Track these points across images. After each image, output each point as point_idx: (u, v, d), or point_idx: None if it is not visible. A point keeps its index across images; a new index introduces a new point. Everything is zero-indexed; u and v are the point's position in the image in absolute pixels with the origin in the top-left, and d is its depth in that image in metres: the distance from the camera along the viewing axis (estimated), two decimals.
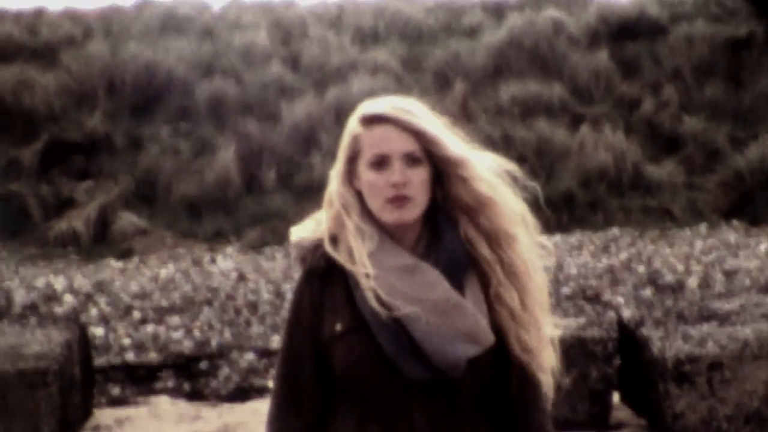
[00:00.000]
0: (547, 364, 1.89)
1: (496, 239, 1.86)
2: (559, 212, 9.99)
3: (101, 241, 10.61)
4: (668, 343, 4.65)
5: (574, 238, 9.48)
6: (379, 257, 1.83)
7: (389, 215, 1.85)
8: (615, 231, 9.97)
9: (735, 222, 10.42)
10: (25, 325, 5.36)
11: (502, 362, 1.86)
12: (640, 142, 11.67)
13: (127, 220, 10.67)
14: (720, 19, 13.99)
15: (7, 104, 12.66)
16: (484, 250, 1.86)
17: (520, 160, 11.23)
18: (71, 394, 5.03)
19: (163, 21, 15.56)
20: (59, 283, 8.49)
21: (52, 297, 7.95)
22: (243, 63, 13.74)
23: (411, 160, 1.84)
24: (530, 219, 1.91)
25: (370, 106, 1.89)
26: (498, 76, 13.15)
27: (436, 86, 12.69)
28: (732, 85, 12.93)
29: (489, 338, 1.80)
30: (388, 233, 1.87)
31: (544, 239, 1.92)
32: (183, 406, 5.86)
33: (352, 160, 1.89)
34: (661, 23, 14.34)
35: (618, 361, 5.24)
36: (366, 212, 1.87)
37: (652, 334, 4.80)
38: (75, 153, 12.14)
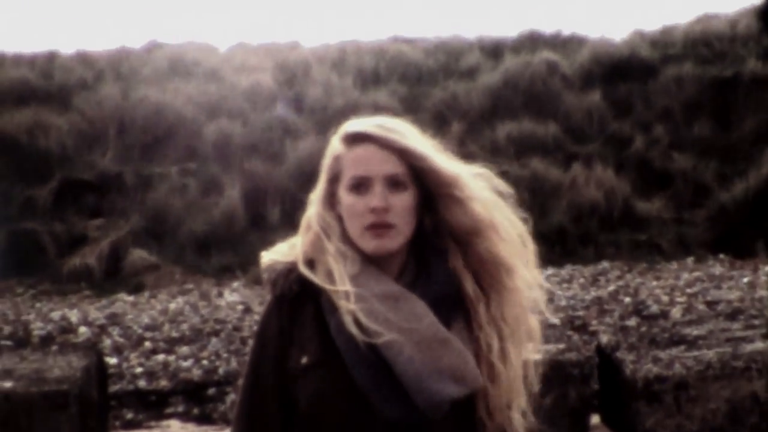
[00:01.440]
0: (516, 409, 1.75)
1: (492, 271, 1.71)
2: (551, 246, 10.42)
3: (113, 276, 11.05)
4: (639, 365, 5.05)
5: (565, 271, 9.90)
6: (361, 281, 1.65)
7: (368, 243, 1.68)
8: (605, 264, 10.40)
9: (721, 255, 10.83)
10: (47, 352, 5.78)
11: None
12: (631, 178, 12.13)
13: (138, 255, 11.12)
14: (708, 60, 14.51)
15: (22, 145, 13.19)
16: (469, 287, 1.70)
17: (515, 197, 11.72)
18: (90, 416, 5.42)
19: (172, 63, 16.16)
20: (74, 315, 8.92)
21: (67, 329, 8.38)
22: (248, 104, 14.29)
23: (394, 183, 1.69)
24: (530, 242, 1.77)
25: (352, 125, 1.75)
26: (494, 116, 13.66)
27: (435, 126, 13.05)
28: (719, 124, 13.42)
29: (477, 380, 1.65)
30: (370, 261, 1.70)
31: (537, 271, 1.78)
32: (192, 428, 6.26)
33: (334, 181, 1.75)
34: (651, 64, 14.86)
35: (597, 384, 5.65)
36: (347, 238, 1.71)
37: (626, 357, 5.20)
38: (87, 192, 12.63)
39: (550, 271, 9.78)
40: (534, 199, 11.34)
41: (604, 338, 5.67)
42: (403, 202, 1.69)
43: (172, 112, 13.93)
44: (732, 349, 5.03)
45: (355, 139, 1.73)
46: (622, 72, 14.68)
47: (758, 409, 4.85)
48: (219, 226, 11.65)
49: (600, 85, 14.43)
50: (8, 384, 5.10)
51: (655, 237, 11.18)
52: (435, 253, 1.72)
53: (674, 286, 9.08)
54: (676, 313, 7.97)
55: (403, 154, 1.69)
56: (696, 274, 9.79)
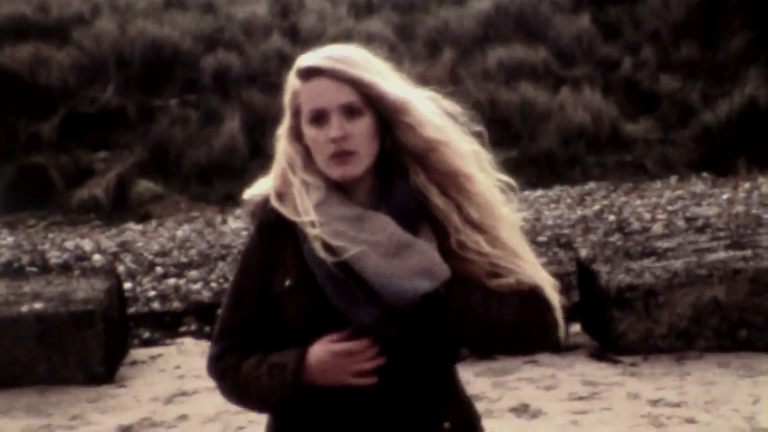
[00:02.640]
0: (542, 279, 1.80)
1: (452, 181, 1.79)
2: (540, 169, 10.85)
3: (120, 207, 11.50)
4: (613, 276, 5.54)
5: (553, 192, 10.35)
6: (325, 208, 1.77)
7: (334, 171, 1.78)
8: (591, 185, 10.84)
9: (704, 174, 11.27)
10: (71, 277, 6.26)
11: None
12: (619, 101, 12.48)
13: (144, 186, 11.55)
14: None
15: (24, 81, 13.47)
16: (437, 198, 1.78)
17: (505, 121, 12.16)
18: (113, 334, 5.92)
19: None
20: (87, 244, 9.40)
21: (82, 257, 8.86)
22: (245, 36, 14.54)
23: (350, 111, 1.76)
24: (483, 154, 1.85)
25: (305, 59, 1.80)
26: (485, 43, 13.93)
27: (427, 53, 13.49)
28: (707, 45, 13.70)
29: (444, 272, 1.73)
30: (339, 187, 1.80)
31: (502, 176, 1.87)
32: (205, 344, 6.74)
33: (296, 115, 1.83)
34: None
35: (577, 297, 6.16)
36: (314, 167, 1.82)
37: (601, 268, 5.70)
38: (91, 125, 12.98)
39: (539, 192, 10.23)
40: (523, 123, 11.73)
41: (583, 252, 6.15)
42: (361, 128, 1.76)
43: (169, 45, 14.17)
44: (697, 258, 5.52)
45: (308, 74, 1.78)
46: None
47: (719, 313, 5.37)
48: (221, 156, 12.05)
49: (589, 8, 14.65)
50: (39, 305, 5.61)
51: (641, 157, 11.59)
52: (396, 172, 1.81)
53: (656, 204, 9.54)
54: (657, 229, 8.44)
55: (354, 83, 1.75)
56: (678, 192, 10.24)
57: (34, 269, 7.96)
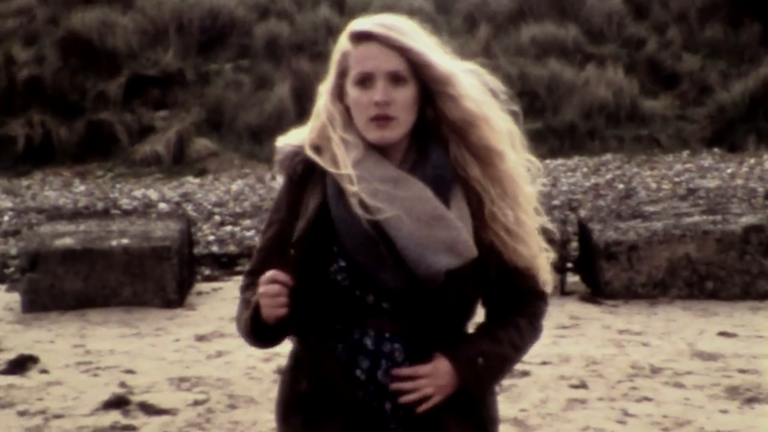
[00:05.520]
0: (544, 265, 1.96)
1: (486, 157, 1.84)
2: (562, 140, 11.82)
3: (179, 162, 12.70)
4: (604, 233, 6.59)
5: (572, 161, 11.34)
6: (363, 166, 1.81)
7: (372, 134, 1.83)
8: (608, 156, 11.81)
9: (715, 149, 12.16)
10: (149, 218, 7.44)
11: (484, 279, 1.86)
12: (641, 78, 13.37)
13: (201, 144, 12.75)
14: None
15: (93, 44, 14.67)
16: (475, 170, 1.84)
17: (533, 95, 13.10)
18: (183, 267, 7.09)
19: None
20: (153, 194, 10.62)
21: (150, 204, 10.08)
22: (295, 6, 15.60)
23: (395, 78, 1.81)
24: (517, 134, 1.91)
25: (358, 24, 1.85)
26: (520, 19, 14.84)
27: (464, 28, 14.46)
28: (731, 26, 14.48)
29: (471, 251, 1.79)
30: (374, 149, 1.85)
31: (530, 156, 1.93)
32: None
33: (342, 75, 1.87)
34: None
35: (575, 252, 7.21)
36: (353, 127, 1.86)
37: (595, 227, 6.75)
38: (152, 86, 14.18)
39: (559, 161, 11.22)
40: (549, 97, 12.68)
41: (582, 213, 7.16)
42: (403, 96, 1.82)
43: (225, 13, 15.28)
44: (675, 221, 6.54)
45: (360, 38, 1.83)
46: None
47: (690, 266, 6.41)
48: (270, 118, 13.16)
49: None
50: (125, 241, 6.80)
51: (656, 132, 12.52)
52: (435, 141, 1.86)
53: (664, 176, 10.50)
54: (647, 196, 9.39)
55: (403, 51, 1.81)
56: (687, 165, 11.18)
57: (117, 211, 9.18)
